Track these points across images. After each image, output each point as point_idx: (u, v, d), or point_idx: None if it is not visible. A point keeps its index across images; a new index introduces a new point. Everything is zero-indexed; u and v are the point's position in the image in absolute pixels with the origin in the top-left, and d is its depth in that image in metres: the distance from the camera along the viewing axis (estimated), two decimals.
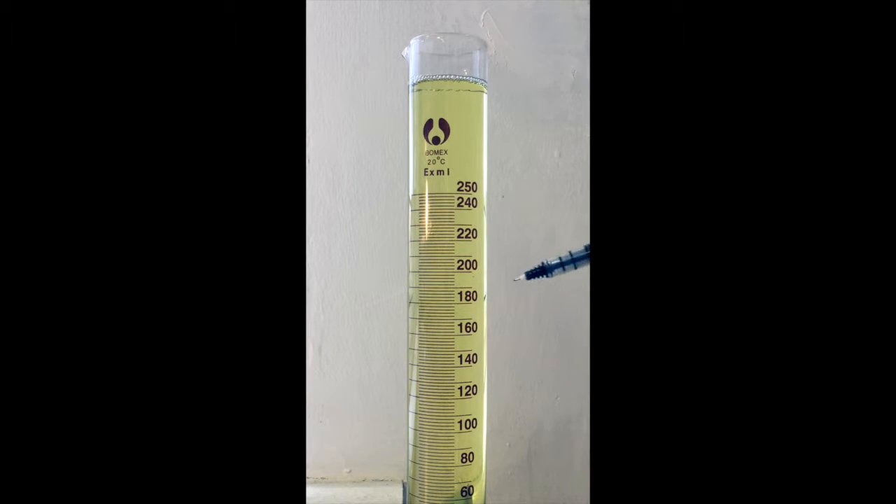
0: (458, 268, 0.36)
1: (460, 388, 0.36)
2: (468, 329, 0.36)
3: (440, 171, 0.36)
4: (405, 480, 0.43)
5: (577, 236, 0.53)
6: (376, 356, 0.53)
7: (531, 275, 0.39)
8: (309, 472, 0.53)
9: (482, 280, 0.37)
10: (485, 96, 0.37)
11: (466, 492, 0.36)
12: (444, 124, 0.36)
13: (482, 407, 0.37)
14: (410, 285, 0.37)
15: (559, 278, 0.38)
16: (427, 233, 0.36)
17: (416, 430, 0.37)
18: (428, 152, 0.36)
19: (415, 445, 0.37)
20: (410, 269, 0.37)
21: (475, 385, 0.36)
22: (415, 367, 0.36)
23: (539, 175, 0.54)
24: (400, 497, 0.51)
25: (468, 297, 0.36)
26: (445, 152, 0.36)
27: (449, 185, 0.36)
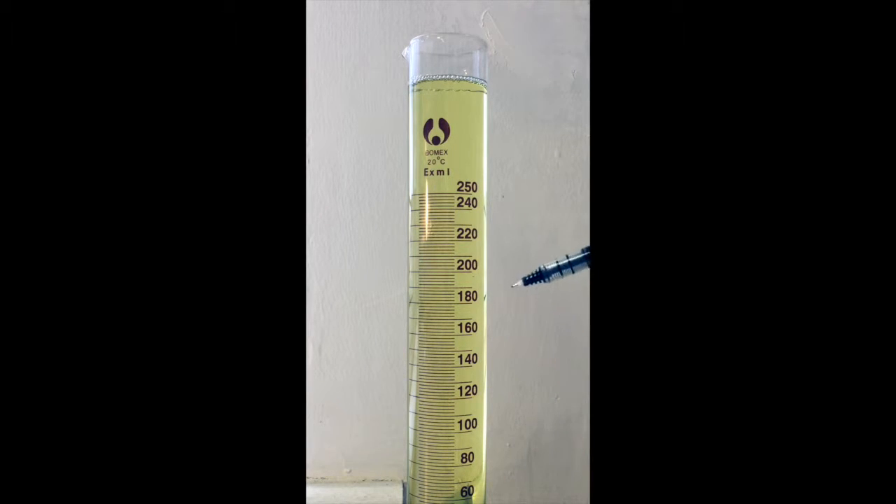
0: (458, 268, 0.36)
1: (460, 388, 0.36)
2: (468, 329, 0.36)
3: (440, 171, 0.36)
4: (405, 480, 0.43)
5: (578, 236, 0.53)
6: (376, 356, 0.53)
7: (528, 281, 0.38)
8: (309, 472, 0.53)
9: (482, 280, 0.37)
10: (485, 96, 0.37)
11: (466, 492, 0.36)
12: (444, 124, 0.36)
13: (482, 407, 0.37)
14: (410, 285, 0.37)
15: (558, 279, 0.38)
16: (427, 233, 0.36)
17: (416, 430, 0.37)
18: (428, 152, 0.36)
19: (415, 445, 0.37)
20: (410, 269, 0.37)
21: (475, 385, 0.36)
22: (415, 367, 0.36)
23: (539, 175, 0.53)
24: (400, 497, 0.51)
25: (468, 297, 0.36)
26: (445, 152, 0.36)
27: (449, 185, 0.36)
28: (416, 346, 0.36)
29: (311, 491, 0.51)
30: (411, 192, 0.37)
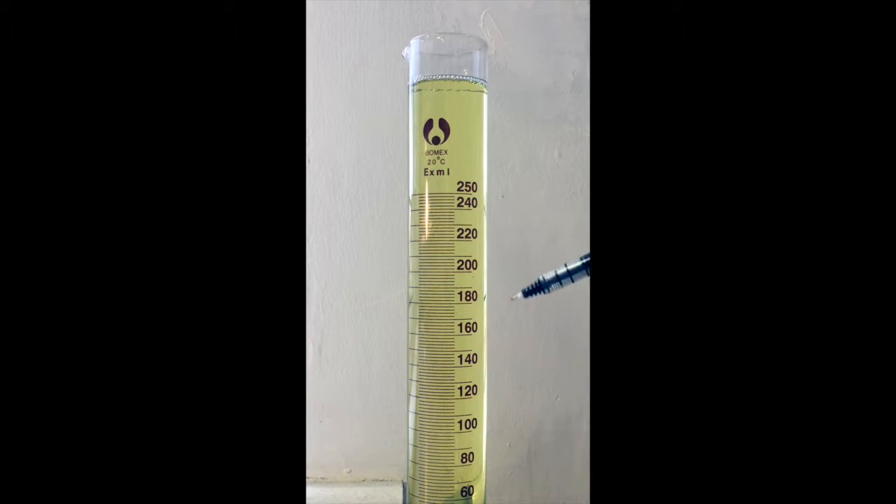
0: (458, 268, 0.36)
1: (460, 388, 0.36)
2: (468, 329, 0.36)
3: (440, 171, 0.36)
4: (405, 480, 0.43)
5: (578, 236, 0.53)
6: (376, 356, 0.53)
7: (528, 293, 0.39)
8: (309, 472, 0.53)
9: (482, 280, 0.37)
10: (485, 96, 0.37)
11: (466, 492, 0.36)
12: (444, 124, 0.36)
13: (482, 407, 0.37)
14: (410, 285, 0.37)
15: (558, 289, 0.38)
16: (427, 233, 0.36)
17: (416, 430, 0.37)
18: (428, 152, 0.36)
19: (415, 445, 0.37)
20: (410, 269, 0.37)
21: (475, 385, 0.36)
22: (415, 367, 0.36)
23: (539, 175, 0.53)
24: (400, 497, 0.51)
25: (468, 297, 0.36)
26: (445, 152, 0.36)
27: (449, 185, 0.36)
28: (416, 346, 0.36)
29: (311, 491, 0.51)
30: (411, 192, 0.37)
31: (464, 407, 0.36)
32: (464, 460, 0.36)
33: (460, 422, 0.36)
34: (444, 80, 0.36)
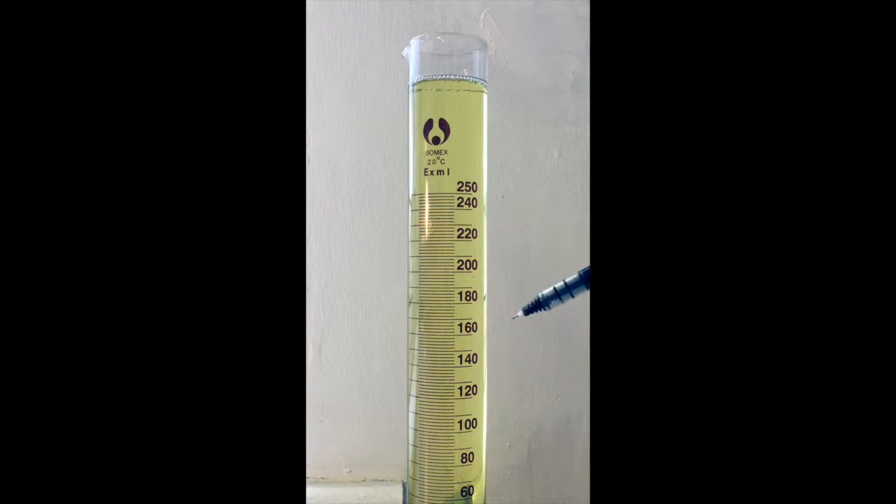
0: (458, 268, 0.36)
1: (460, 388, 0.36)
2: (468, 329, 0.36)
3: (440, 171, 0.36)
4: (405, 480, 0.43)
5: (578, 236, 0.53)
6: (376, 356, 0.53)
7: (528, 310, 0.39)
8: (309, 472, 0.53)
9: (482, 280, 0.37)
10: (485, 96, 0.37)
11: (466, 492, 0.36)
12: (444, 124, 0.36)
13: (482, 407, 0.37)
14: (410, 285, 0.37)
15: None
16: (427, 233, 0.36)
17: (416, 430, 0.37)
18: (428, 152, 0.36)
19: (415, 445, 0.37)
20: (410, 269, 0.37)
21: (475, 385, 0.36)
22: (415, 367, 0.36)
23: (539, 175, 0.53)
24: (400, 497, 0.51)
25: (468, 297, 0.36)
26: (445, 152, 0.36)
27: (449, 185, 0.36)
28: (416, 346, 0.36)
29: (311, 491, 0.51)
30: (411, 192, 0.37)
31: (464, 407, 0.36)
32: (464, 460, 0.36)
33: (460, 422, 0.36)
34: (444, 80, 0.36)
